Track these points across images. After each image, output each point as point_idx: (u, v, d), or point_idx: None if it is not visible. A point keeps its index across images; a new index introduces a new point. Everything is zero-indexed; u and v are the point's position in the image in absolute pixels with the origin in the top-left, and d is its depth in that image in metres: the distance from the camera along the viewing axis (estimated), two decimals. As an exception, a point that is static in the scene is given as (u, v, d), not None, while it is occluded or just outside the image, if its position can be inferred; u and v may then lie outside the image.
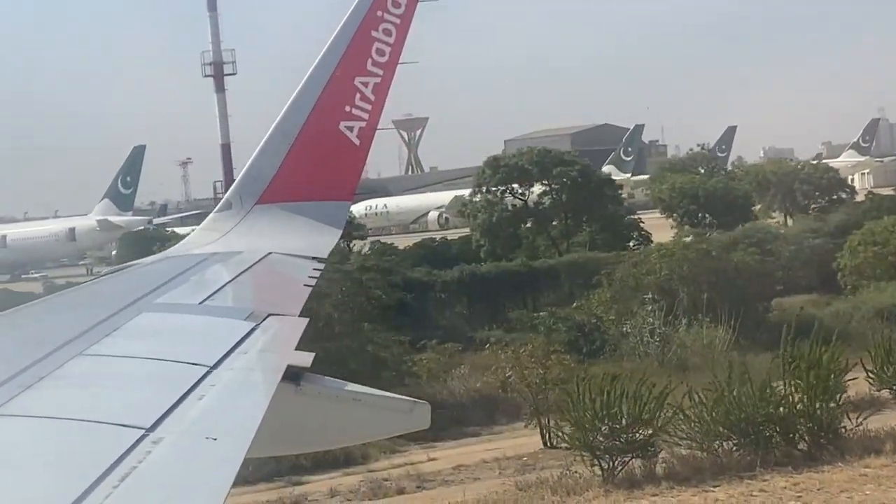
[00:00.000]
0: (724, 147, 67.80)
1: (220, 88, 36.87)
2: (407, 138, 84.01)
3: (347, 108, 4.98)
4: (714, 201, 37.94)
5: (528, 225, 32.11)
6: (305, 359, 2.92)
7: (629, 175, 55.75)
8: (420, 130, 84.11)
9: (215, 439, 2.08)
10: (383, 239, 36.70)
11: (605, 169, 53.92)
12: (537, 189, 31.69)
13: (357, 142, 5.02)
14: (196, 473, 1.94)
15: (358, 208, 51.04)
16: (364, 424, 3.27)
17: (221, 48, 37.20)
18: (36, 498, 1.69)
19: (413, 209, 45.16)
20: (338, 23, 5.06)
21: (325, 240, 5.04)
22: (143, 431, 2.03)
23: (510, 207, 31.16)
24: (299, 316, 3.56)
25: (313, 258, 4.81)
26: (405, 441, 16.27)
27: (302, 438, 3.29)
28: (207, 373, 2.54)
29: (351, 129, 5.01)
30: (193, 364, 2.63)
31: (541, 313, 22.68)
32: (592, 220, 32.05)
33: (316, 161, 5.07)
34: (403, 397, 3.46)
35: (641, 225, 33.63)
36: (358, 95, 4.97)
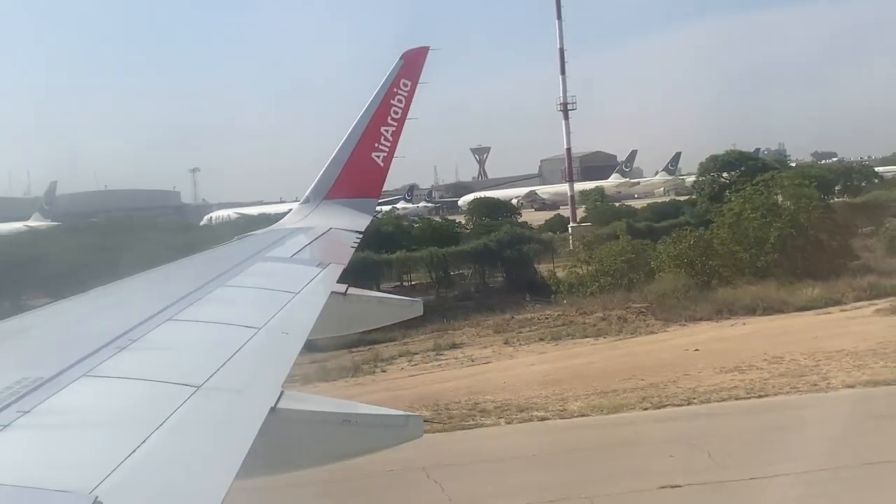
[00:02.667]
0: (628, 165, 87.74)
1: (565, 117, 53.33)
2: (478, 158, 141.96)
3: (376, 145, 7.66)
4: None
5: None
6: (341, 287, 4.96)
7: (628, 180, 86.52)
8: (486, 154, 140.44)
9: (287, 333, 3.47)
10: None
11: (613, 177, 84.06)
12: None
13: (381, 164, 7.73)
14: (278, 350, 3.25)
15: (469, 197, 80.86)
16: (382, 315, 5.63)
17: (568, 95, 53.48)
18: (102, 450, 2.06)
19: (503, 198, 72.36)
20: (371, 92, 7.84)
21: (362, 220, 7.66)
22: (255, 331, 3.28)
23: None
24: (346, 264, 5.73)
25: (355, 231, 7.31)
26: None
27: (349, 323, 5.47)
28: (294, 295, 4.24)
29: (378, 157, 7.71)
30: (287, 291, 4.31)
31: None
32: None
33: (357, 175, 7.74)
34: (403, 297, 6.00)
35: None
36: (382, 137, 7.66)
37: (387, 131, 7.56)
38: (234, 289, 4.41)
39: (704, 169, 46.28)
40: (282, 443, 2.65)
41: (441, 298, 28.80)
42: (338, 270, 5.36)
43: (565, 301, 26.54)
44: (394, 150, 7.63)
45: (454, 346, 22.53)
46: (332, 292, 4.71)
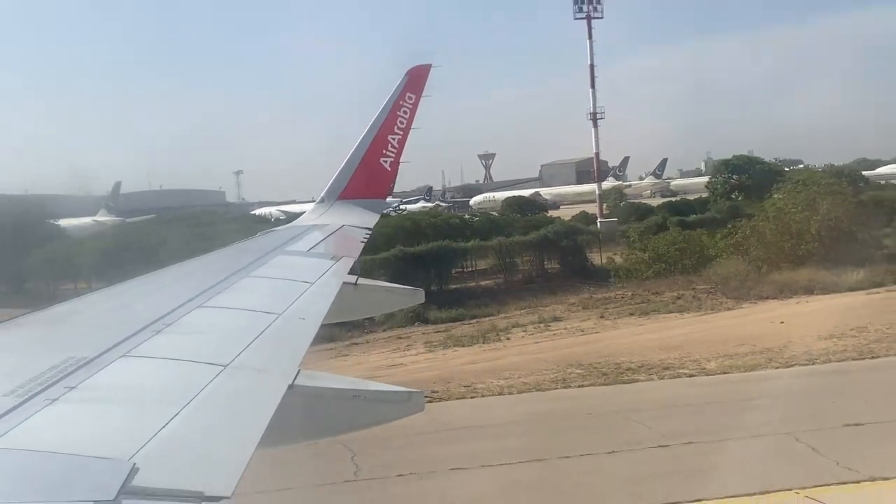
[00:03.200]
0: (621, 170, 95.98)
1: (595, 125, 59.15)
2: (485, 164, 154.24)
3: (384, 151, 8.36)
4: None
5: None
6: (351, 278, 5.42)
7: (622, 182, 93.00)
8: (491, 160, 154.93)
9: (304, 319, 3.80)
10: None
11: (609, 180, 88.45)
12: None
13: (388, 168, 8.44)
14: (296, 333, 3.48)
15: (479, 198, 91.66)
16: (388, 302, 6.31)
17: (597, 104, 59.34)
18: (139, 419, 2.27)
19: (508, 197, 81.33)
20: (380, 105, 8.60)
21: (371, 218, 8.25)
22: (276, 316, 3.57)
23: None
24: (356, 258, 6.20)
25: (365, 228, 7.86)
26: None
27: (358, 310, 6.10)
28: (311, 285, 4.64)
29: (385, 162, 8.41)
30: (304, 281, 4.73)
31: None
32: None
33: (367, 178, 8.41)
34: (407, 287, 6.47)
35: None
36: (389, 145, 8.38)
37: (393, 139, 8.35)
38: (257, 279, 4.85)
39: (717, 171, 53.14)
40: (299, 415, 2.86)
41: (508, 282, 32.39)
42: (349, 263, 5.82)
43: (622, 285, 29.53)
44: (399, 156, 8.44)
45: (556, 319, 24.73)
46: (344, 282, 5.12)
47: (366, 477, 10.56)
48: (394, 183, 8.64)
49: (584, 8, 54.86)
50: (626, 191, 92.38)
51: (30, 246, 38.69)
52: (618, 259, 34.24)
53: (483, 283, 32.64)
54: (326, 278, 5.05)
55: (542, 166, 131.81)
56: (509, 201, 73.84)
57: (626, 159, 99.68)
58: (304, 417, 2.92)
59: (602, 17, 56.76)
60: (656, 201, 62.05)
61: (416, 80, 8.50)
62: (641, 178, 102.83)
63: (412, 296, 6.54)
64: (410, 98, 8.43)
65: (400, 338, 24.55)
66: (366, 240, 7.44)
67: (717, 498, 9.09)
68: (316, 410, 2.99)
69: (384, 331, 25.67)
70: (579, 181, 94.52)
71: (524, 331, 23.36)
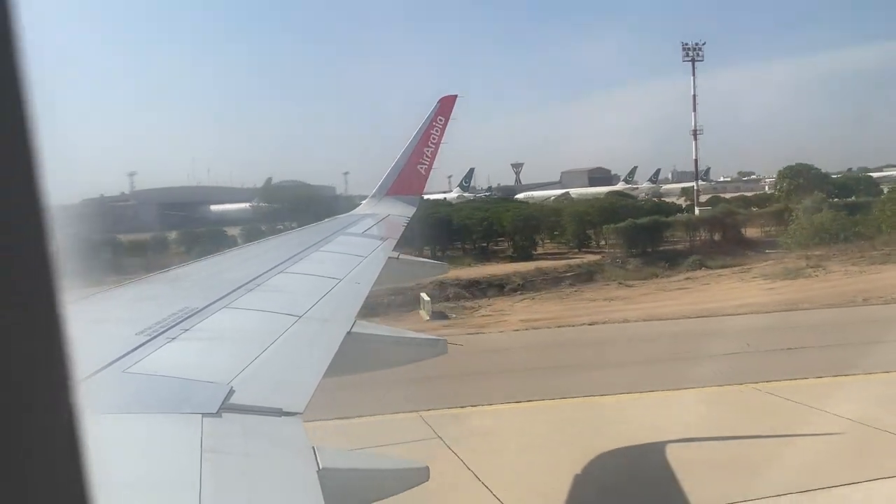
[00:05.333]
0: (630, 176, 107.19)
1: (695, 139, 68.53)
2: (515, 170, 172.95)
3: (420, 160, 9.76)
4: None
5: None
6: (394, 253, 6.38)
7: (631, 185, 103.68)
8: (521, 167, 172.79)
9: (359, 283, 4.68)
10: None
11: (620, 184, 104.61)
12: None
13: (424, 173, 9.87)
14: (353, 294, 4.29)
15: (521, 196, 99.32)
16: (427, 271, 7.46)
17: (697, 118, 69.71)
18: (244, 354, 2.64)
19: (543, 197, 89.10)
20: (417, 125, 10.05)
21: (410, 210, 9.51)
22: (337, 281, 4.51)
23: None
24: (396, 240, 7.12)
25: (405, 216, 9.05)
26: None
27: (400, 279, 6.88)
28: (364, 258, 5.71)
29: (421, 168, 9.84)
30: (358, 255, 5.81)
31: None
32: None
33: (407, 179, 9.82)
34: (434, 261, 7.61)
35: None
36: (424, 155, 9.79)
37: (427, 151, 9.88)
38: (324, 252, 5.90)
39: (782, 175, 63.43)
40: (354, 354, 3.29)
41: (692, 246, 39.79)
42: (393, 243, 6.88)
43: (792, 251, 35.46)
44: (432, 164, 9.95)
45: (819, 266, 29.34)
46: (389, 257, 6.10)
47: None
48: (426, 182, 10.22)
49: (690, 54, 70.88)
50: (635, 192, 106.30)
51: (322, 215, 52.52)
52: (756, 233, 42.36)
53: (674, 247, 39.42)
54: (376, 254, 5.99)
55: (562, 173, 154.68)
56: (609, 193, 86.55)
57: (634, 168, 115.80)
58: (358, 355, 3.39)
59: (703, 61, 69.96)
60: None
61: (445, 106, 10.08)
62: (640, 184, 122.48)
63: (439, 268, 7.90)
64: (441, 120, 10.00)
65: (719, 276, 29.86)
66: (405, 226, 8.51)
67: None
68: (367, 351, 3.51)
69: (687, 271, 31.71)
70: (591, 184, 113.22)
71: (811, 273, 27.89)
